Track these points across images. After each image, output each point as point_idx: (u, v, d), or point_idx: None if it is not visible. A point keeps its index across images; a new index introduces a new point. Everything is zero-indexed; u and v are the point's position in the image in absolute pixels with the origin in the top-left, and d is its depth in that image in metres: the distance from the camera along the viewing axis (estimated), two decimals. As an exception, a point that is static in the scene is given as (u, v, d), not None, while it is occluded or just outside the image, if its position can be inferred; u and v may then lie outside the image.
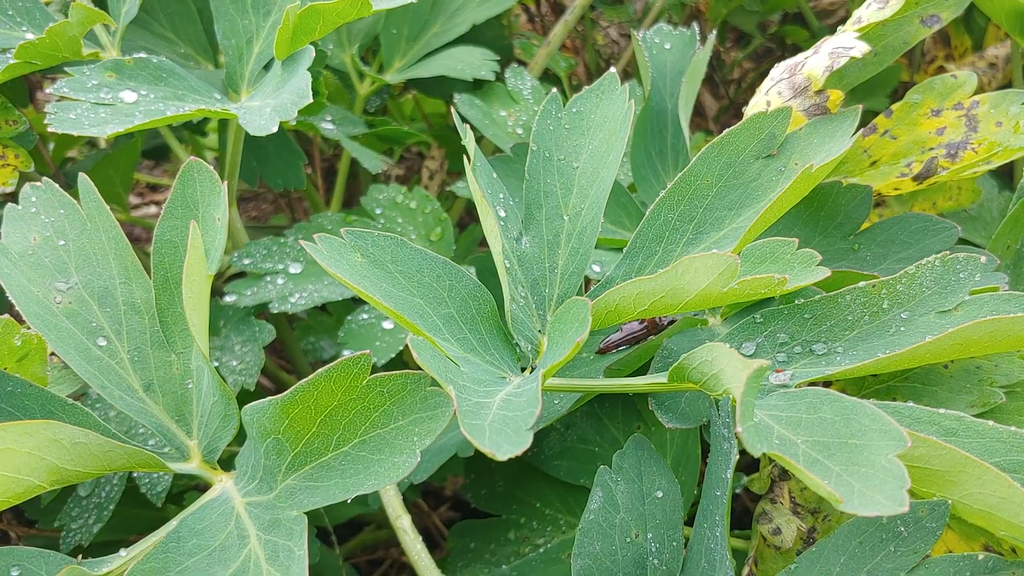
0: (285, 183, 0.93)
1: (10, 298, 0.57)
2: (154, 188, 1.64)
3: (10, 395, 0.54)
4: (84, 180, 0.60)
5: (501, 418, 0.49)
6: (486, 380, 0.56)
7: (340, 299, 0.85)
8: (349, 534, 1.13)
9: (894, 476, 0.42)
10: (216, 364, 0.82)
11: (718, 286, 0.53)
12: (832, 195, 0.69)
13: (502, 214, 0.64)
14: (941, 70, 1.31)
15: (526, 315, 0.63)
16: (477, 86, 1.07)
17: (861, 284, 0.55)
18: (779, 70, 0.66)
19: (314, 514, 0.96)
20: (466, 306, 0.59)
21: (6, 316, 0.56)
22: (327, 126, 1.02)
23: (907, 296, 0.55)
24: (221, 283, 1.05)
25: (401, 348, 0.84)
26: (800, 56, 0.66)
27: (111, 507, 0.75)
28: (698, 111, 1.47)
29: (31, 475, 0.50)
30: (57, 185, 0.61)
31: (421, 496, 1.17)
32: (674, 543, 0.57)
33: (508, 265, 0.62)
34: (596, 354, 0.72)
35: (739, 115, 1.62)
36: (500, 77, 1.07)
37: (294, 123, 1.00)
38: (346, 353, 0.84)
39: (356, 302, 0.99)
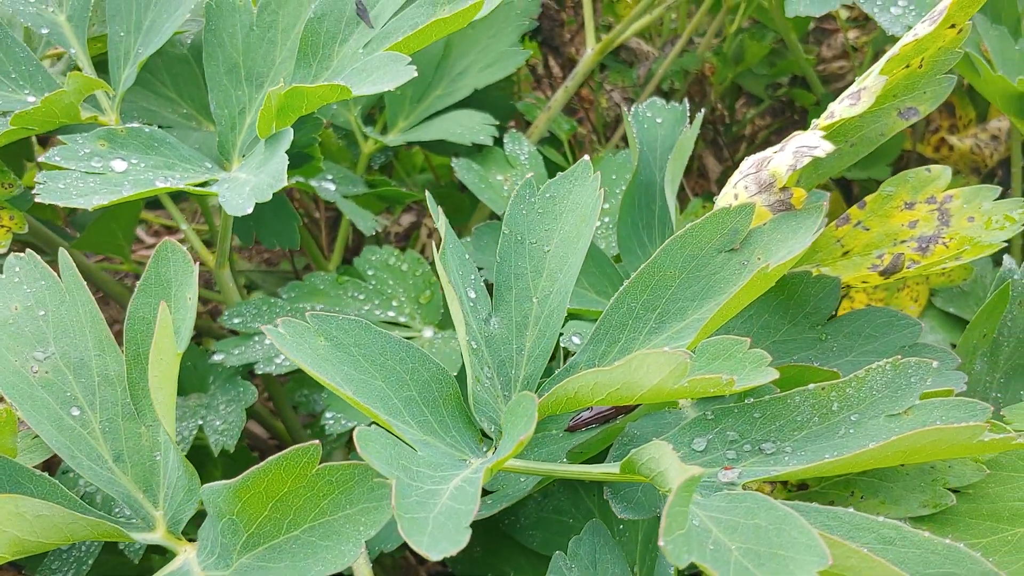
0: (280, 242, 0.95)
1: (-13, 367, 0.59)
2: (170, 229, 1.66)
3: (-22, 466, 0.56)
4: (63, 255, 0.62)
5: (448, 510, 0.50)
6: (444, 464, 0.57)
7: (324, 362, 0.87)
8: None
9: (815, 594, 0.42)
10: (201, 422, 0.84)
11: (669, 383, 0.54)
12: (802, 285, 0.70)
13: (472, 295, 0.66)
14: (943, 142, 1.32)
15: (491, 396, 0.64)
16: (477, 149, 1.09)
17: (811, 386, 0.56)
18: (747, 164, 0.67)
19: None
20: (428, 388, 0.60)
21: (-23, 391, 0.58)
22: (328, 185, 1.04)
23: (857, 399, 0.56)
24: (222, 330, 1.08)
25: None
26: (769, 151, 0.67)
27: (90, 561, 0.76)
28: (701, 173, 1.48)
29: (-9, 548, 0.51)
30: (39, 257, 0.63)
31: (409, 551, 1.18)
32: (624, 634, 0.58)
33: (475, 346, 0.64)
34: (566, 431, 0.73)
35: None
36: (500, 141, 1.09)
37: (292, 182, 1.03)
38: (329, 416, 0.85)
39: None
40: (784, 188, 0.64)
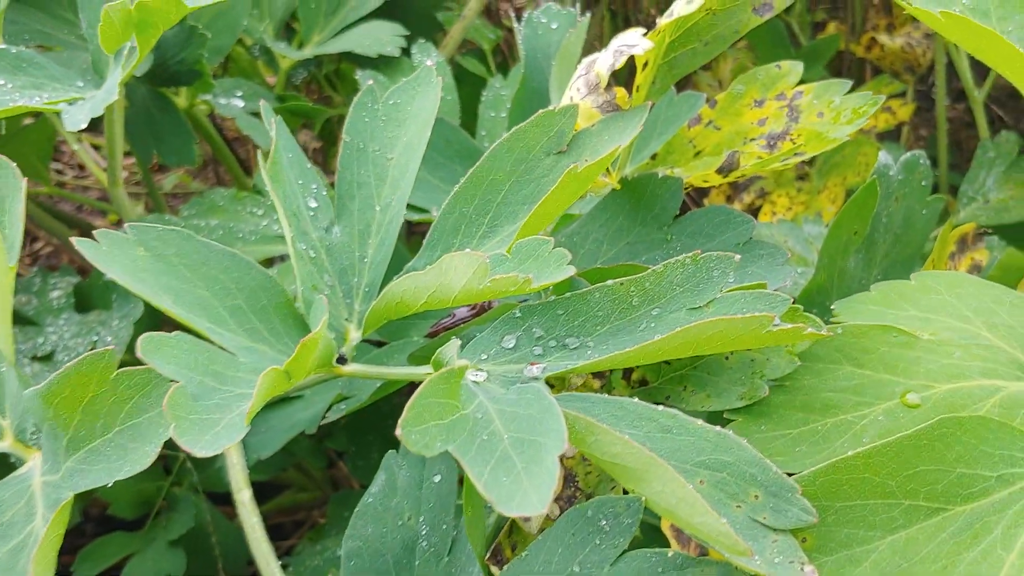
0: (179, 160, 0.97)
1: None
2: (96, 147, 1.65)
3: None
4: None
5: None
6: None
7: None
8: (274, 493, 1.18)
9: (550, 477, 0.44)
10: (95, 339, 0.86)
11: (475, 284, 0.56)
12: (649, 186, 0.71)
13: (313, 204, 0.67)
14: (874, 41, 1.30)
15: (331, 303, 0.65)
16: (387, 61, 1.09)
17: (609, 282, 0.57)
18: (582, 66, 0.67)
19: (216, 480, 1.01)
20: (256, 297, 0.62)
21: None
22: (236, 103, 1.05)
23: (657, 293, 0.57)
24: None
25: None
26: (598, 53, 0.67)
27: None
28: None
29: None
30: None
31: (341, 462, 1.21)
32: (444, 526, 0.60)
33: (313, 255, 0.65)
34: (426, 338, 0.75)
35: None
36: (408, 52, 1.08)
37: (198, 100, 1.04)
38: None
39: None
40: (608, 88, 0.64)
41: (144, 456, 0.53)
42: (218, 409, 0.52)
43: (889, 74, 1.31)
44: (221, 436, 0.49)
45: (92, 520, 1.18)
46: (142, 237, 0.59)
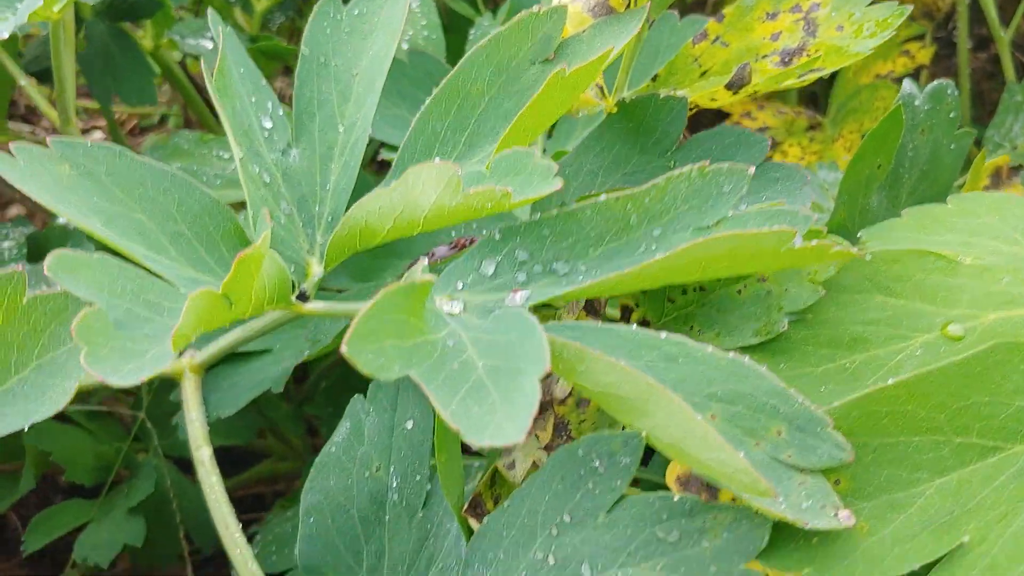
0: (140, 100, 0.90)
1: None
2: (87, 111, 1.58)
3: None
4: None
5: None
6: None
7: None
8: (254, 462, 1.10)
9: (529, 403, 0.37)
10: (45, 288, 0.79)
11: (447, 200, 0.48)
12: (649, 109, 0.63)
13: (268, 124, 0.60)
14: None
15: (289, 234, 0.58)
16: None
17: (602, 198, 0.50)
18: (573, -36, 0.60)
19: (182, 444, 0.93)
20: (201, 222, 0.54)
21: None
22: (205, 43, 0.98)
23: (658, 211, 0.49)
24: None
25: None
26: (593, -52, 0.60)
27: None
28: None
29: None
30: None
31: (312, 434, 1.14)
32: (418, 476, 0.52)
33: (267, 180, 0.58)
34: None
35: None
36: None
37: (165, 40, 0.96)
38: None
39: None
40: (602, -13, 0.57)
41: (64, 394, 0.46)
42: (147, 340, 0.45)
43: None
44: (146, 366, 0.42)
45: (61, 491, 1.11)
46: (67, 153, 0.51)
